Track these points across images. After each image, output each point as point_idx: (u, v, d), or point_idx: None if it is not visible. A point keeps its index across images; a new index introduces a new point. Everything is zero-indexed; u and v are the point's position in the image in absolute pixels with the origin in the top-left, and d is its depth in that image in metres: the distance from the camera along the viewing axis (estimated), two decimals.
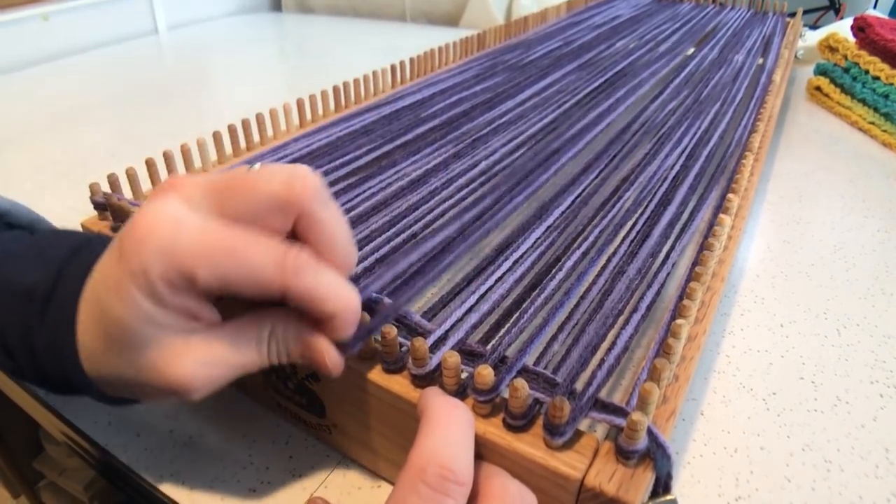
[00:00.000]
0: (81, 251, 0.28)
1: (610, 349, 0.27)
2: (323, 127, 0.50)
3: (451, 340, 0.28)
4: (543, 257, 0.34)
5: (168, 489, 0.31)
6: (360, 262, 0.33)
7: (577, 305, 0.30)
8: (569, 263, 0.33)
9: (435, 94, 0.57)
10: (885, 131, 0.65)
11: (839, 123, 0.72)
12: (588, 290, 0.31)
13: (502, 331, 0.29)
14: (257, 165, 0.25)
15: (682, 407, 0.35)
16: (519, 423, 0.24)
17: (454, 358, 0.25)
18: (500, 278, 0.32)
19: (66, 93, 0.84)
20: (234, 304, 0.25)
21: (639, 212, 0.38)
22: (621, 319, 0.29)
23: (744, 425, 0.34)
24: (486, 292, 0.31)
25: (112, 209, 0.37)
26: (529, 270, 0.33)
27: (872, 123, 0.67)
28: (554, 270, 0.33)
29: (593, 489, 0.23)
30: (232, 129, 0.45)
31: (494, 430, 0.25)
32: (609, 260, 0.34)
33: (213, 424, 0.34)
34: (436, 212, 0.38)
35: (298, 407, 0.33)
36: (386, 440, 0.30)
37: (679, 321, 0.27)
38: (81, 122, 0.71)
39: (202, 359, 0.23)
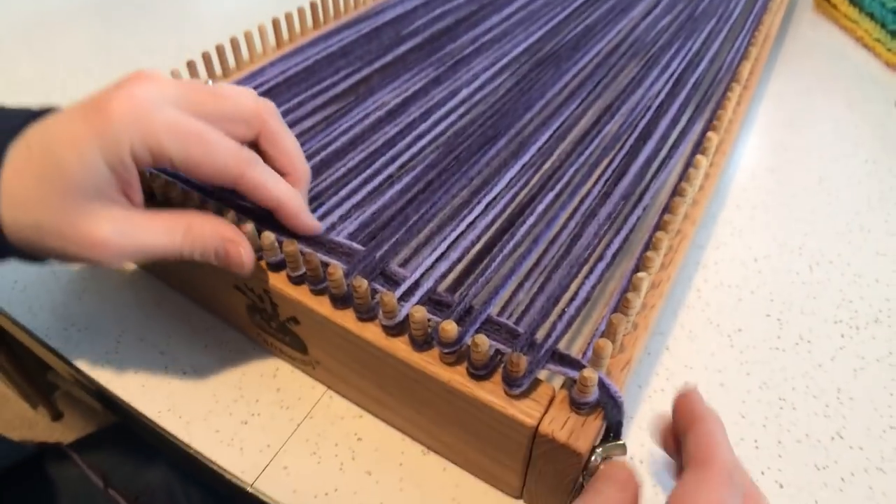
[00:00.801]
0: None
1: (572, 299, 0.29)
2: (300, 48, 0.49)
3: (421, 290, 0.29)
4: (517, 199, 0.35)
5: (165, 422, 0.34)
6: (336, 207, 0.34)
7: (545, 251, 0.31)
8: (540, 207, 0.34)
9: (418, 7, 0.55)
10: (889, 50, 0.63)
11: (843, 38, 0.70)
12: (557, 234, 0.32)
13: (470, 278, 0.30)
14: (210, 82, 0.28)
15: (649, 341, 0.37)
16: (480, 372, 0.26)
17: (420, 313, 0.26)
18: (471, 223, 0.33)
19: (35, 1, 0.81)
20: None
21: (617, 147, 0.38)
22: (586, 268, 0.30)
23: (706, 361, 0.36)
24: (457, 238, 0.32)
25: None
26: (501, 214, 0.34)
27: (878, 41, 0.64)
28: (525, 214, 0.33)
29: (546, 435, 0.25)
30: (206, 57, 0.44)
31: (459, 378, 0.27)
32: (581, 202, 0.34)
33: (205, 358, 0.37)
34: (413, 149, 0.38)
35: (283, 344, 0.35)
36: (364, 379, 0.32)
37: (640, 274, 0.28)
38: (55, 35, 0.69)
39: (119, 228, 0.26)
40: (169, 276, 0.40)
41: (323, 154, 0.38)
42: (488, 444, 0.29)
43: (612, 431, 0.26)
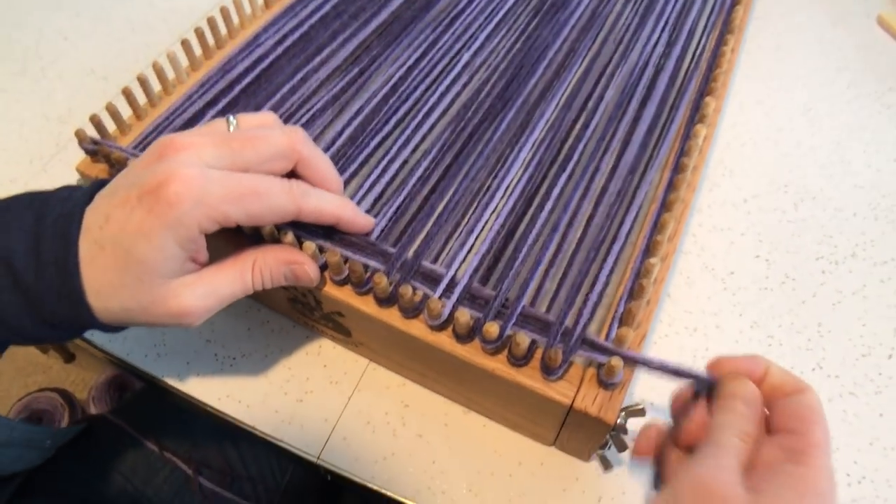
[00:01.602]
0: (45, 210, 0.30)
1: (593, 284, 0.33)
2: (290, 6, 0.49)
3: (459, 287, 0.33)
4: (533, 180, 0.38)
5: (227, 408, 0.39)
6: (361, 202, 0.37)
7: (564, 236, 0.35)
8: (555, 191, 0.37)
9: None
10: None
11: None
12: (573, 218, 0.36)
13: (500, 269, 0.34)
14: (232, 118, 0.32)
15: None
16: (520, 362, 0.31)
17: (465, 317, 0.31)
18: (494, 210, 0.36)
19: None
20: (219, 249, 0.32)
21: (619, 115, 0.41)
22: (603, 250, 0.34)
23: (704, 305, 0.41)
24: (483, 228, 0.36)
25: (108, 160, 0.39)
26: (520, 198, 0.37)
27: None
28: (543, 199, 0.37)
29: (580, 410, 0.30)
30: (199, 33, 0.45)
31: (501, 366, 0.31)
32: (591, 179, 0.38)
33: (251, 342, 0.41)
34: (424, 128, 0.41)
35: (326, 328, 0.39)
36: (408, 359, 0.37)
37: (652, 260, 0.32)
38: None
39: (200, 292, 0.29)
40: None
41: (339, 142, 0.40)
42: (527, 411, 0.34)
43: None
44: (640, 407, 0.32)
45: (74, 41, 0.58)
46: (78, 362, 1.03)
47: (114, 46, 0.57)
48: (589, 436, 0.33)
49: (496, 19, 0.48)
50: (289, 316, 0.41)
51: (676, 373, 0.29)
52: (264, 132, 0.31)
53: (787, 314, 0.41)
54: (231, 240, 0.34)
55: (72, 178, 0.42)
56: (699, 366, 0.38)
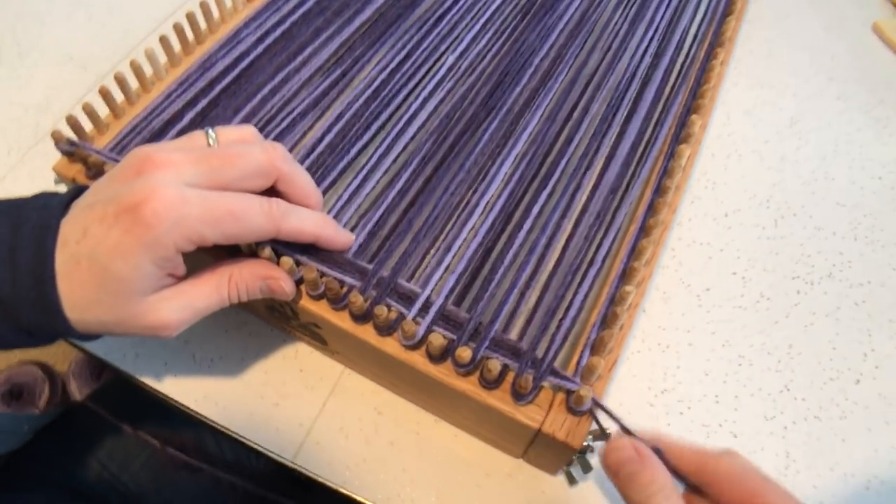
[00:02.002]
0: (21, 220, 0.30)
1: (567, 309, 0.34)
2: (272, 0, 0.48)
3: (434, 307, 0.33)
4: (512, 196, 0.38)
5: (203, 409, 0.40)
6: (342, 215, 0.37)
7: (541, 258, 0.36)
8: (535, 209, 0.37)
9: None
10: None
11: None
12: (552, 239, 0.37)
13: (475, 291, 0.35)
14: (211, 132, 0.32)
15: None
16: (491, 385, 0.32)
17: (438, 340, 0.31)
18: (472, 228, 0.37)
19: None
20: (197, 260, 0.32)
21: (604, 130, 0.41)
22: (578, 275, 0.35)
23: (678, 322, 0.42)
24: (461, 247, 0.36)
25: (85, 163, 0.39)
26: (500, 216, 0.38)
27: None
28: (522, 219, 0.37)
29: (548, 435, 0.31)
30: (178, 28, 0.44)
31: (472, 388, 0.32)
32: (572, 198, 0.38)
33: (228, 344, 0.42)
34: (406, 136, 0.41)
35: (302, 335, 0.40)
36: (383, 370, 0.38)
37: (627, 288, 0.33)
38: None
39: (176, 306, 0.30)
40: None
41: (318, 149, 0.40)
42: (496, 429, 0.35)
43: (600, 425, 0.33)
44: (608, 431, 0.33)
45: (52, 26, 0.57)
46: None
47: (93, 32, 0.57)
48: (556, 455, 0.34)
49: (483, 19, 0.48)
50: (266, 321, 0.42)
51: (626, 430, 0.30)
52: (244, 149, 0.31)
53: (759, 334, 0.42)
54: (209, 251, 0.34)
55: (50, 171, 0.42)
56: (668, 385, 0.40)
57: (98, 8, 0.59)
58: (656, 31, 0.47)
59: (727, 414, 0.39)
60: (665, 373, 0.40)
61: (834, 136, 0.51)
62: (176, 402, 0.40)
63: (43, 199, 0.31)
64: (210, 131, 0.32)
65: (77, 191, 0.32)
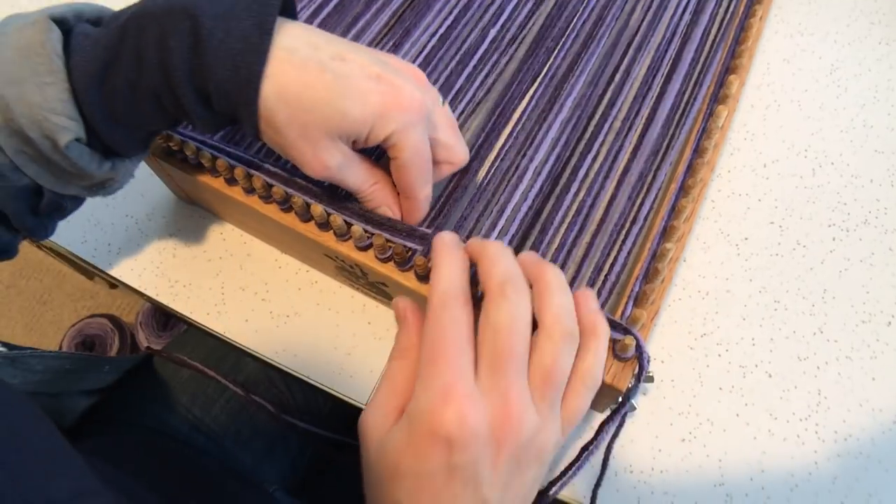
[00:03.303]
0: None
1: (612, 265, 0.38)
2: None
3: None
4: (559, 160, 0.42)
5: (284, 360, 0.45)
6: None
7: (587, 217, 0.39)
8: (581, 173, 0.41)
9: None
10: None
11: None
12: (595, 200, 0.40)
13: (527, 249, 0.39)
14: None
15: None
16: None
17: None
18: (524, 193, 0.40)
19: None
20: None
21: (645, 92, 0.44)
22: (622, 233, 0.39)
23: (717, 270, 0.46)
24: (513, 211, 0.40)
25: None
26: (547, 180, 0.41)
27: None
28: (568, 181, 0.41)
29: None
30: None
31: None
32: (615, 160, 0.41)
33: (301, 301, 0.46)
34: (457, 110, 0.44)
35: (369, 291, 0.45)
36: None
37: (668, 245, 0.37)
38: None
39: (341, 163, 0.35)
40: (258, 232, 0.48)
41: None
42: None
43: (644, 369, 0.37)
44: (650, 374, 0.37)
45: None
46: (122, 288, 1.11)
47: None
48: (604, 395, 0.38)
49: None
50: (335, 279, 0.47)
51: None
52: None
53: (795, 280, 0.45)
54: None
55: None
56: (707, 330, 0.43)
57: None
58: None
59: (763, 355, 0.43)
60: (704, 318, 0.44)
61: (874, 83, 0.52)
62: (258, 353, 0.45)
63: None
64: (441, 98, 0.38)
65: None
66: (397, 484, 0.29)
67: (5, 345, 0.44)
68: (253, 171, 0.40)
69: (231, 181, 0.41)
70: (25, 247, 0.53)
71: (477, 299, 0.32)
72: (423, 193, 0.37)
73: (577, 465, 0.37)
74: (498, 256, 0.32)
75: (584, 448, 0.37)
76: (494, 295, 0.30)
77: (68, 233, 0.50)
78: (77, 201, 0.38)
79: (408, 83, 0.34)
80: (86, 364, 0.50)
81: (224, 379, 0.58)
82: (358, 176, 0.36)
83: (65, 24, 0.33)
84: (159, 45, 0.31)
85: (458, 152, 0.38)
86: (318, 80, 0.32)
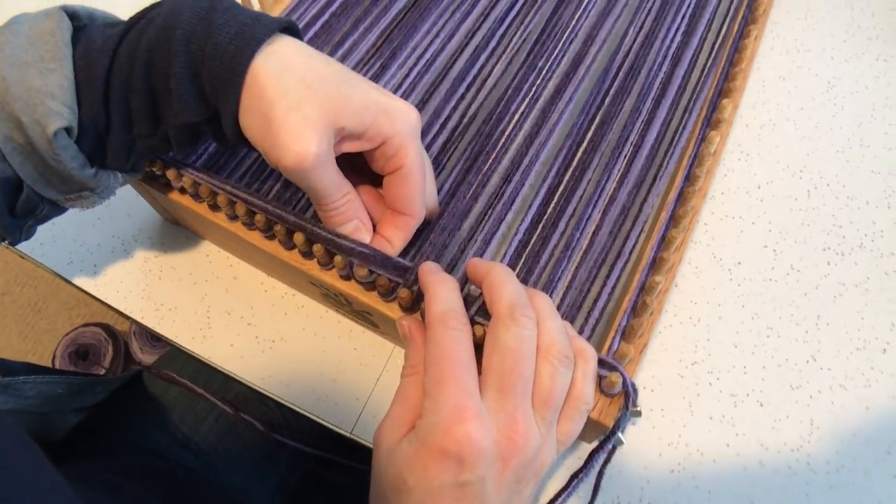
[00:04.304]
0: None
1: (596, 301, 0.37)
2: None
3: (476, 304, 0.37)
4: (549, 192, 0.41)
5: (270, 387, 0.44)
6: None
7: (574, 249, 0.39)
8: (570, 208, 0.40)
9: None
10: None
11: None
12: (584, 230, 0.39)
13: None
14: None
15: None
16: None
17: (480, 331, 0.35)
18: (511, 226, 0.40)
19: None
20: None
21: (633, 119, 0.43)
22: (605, 269, 0.38)
23: (709, 296, 0.45)
24: (500, 245, 0.39)
25: None
26: (538, 215, 0.40)
27: None
28: (557, 217, 0.40)
29: None
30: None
31: None
32: (602, 189, 0.41)
33: (288, 326, 0.46)
34: (443, 135, 0.43)
35: (354, 318, 0.44)
36: None
37: (657, 278, 0.36)
38: None
39: (321, 150, 0.33)
40: (244, 256, 0.48)
41: None
42: None
43: (631, 402, 0.36)
44: (637, 409, 0.36)
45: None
46: None
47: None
48: (591, 429, 0.38)
49: (518, 5, 0.49)
50: (320, 303, 0.46)
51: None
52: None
53: (789, 306, 0.44)
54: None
55: None
56: (698, 357, 0.43)
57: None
58: (689, 5, 0.48)
59: (754, 384, 0.42)
60: (696, 345, 0.43)
61: (871, 101, 0.51)
62: (243, 379, 0.45)
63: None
64: None
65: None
66: (405, 497, 0.29)
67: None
68: (236, 197, 0.39)
69: (214, 207, 0.41)
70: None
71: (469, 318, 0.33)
72: (422, 210, 0.37)
73: (567, 491, 0.37)
74: (505, 279, 0.33)
75: (574, 476, 0.37)
76: (503, 317, 0.31)
77: (54, 252, 0.50)
78: (55, 209, 0.38)
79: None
80: (78, 387, 0.50)
81: (213, 397, 0.58)
82: (333, 179, 0.35)
83: (77, 20, 0.35)
84: (170, 16, 0.33)
85: (433, 201, 0.39)
86: (323, 66, 0.33)
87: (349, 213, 0.37)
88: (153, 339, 1.03)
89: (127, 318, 0.48)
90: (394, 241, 0.38)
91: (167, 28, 0.33)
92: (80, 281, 0.49)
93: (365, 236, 0.38)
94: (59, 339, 1.02)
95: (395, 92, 0.45)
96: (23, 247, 0.51)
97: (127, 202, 0.51)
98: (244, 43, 0.32)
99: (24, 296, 1.13)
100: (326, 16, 0.48)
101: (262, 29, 0.32)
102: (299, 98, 0.32)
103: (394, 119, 0.34)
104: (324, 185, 0.35)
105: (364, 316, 0.42)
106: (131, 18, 0.34)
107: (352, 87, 0.34)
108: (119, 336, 1.05)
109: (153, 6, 0.34)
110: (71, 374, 0.51)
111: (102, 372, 1.00)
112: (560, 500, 0.37)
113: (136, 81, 0.34)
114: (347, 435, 0.43)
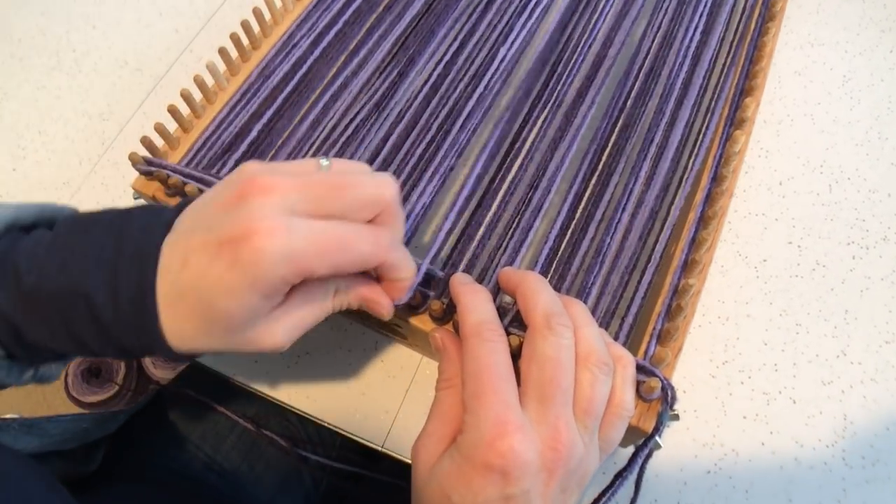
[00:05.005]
0: (123, 242, 0.31)
1: (629, 306, 0.37)
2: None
3: (510, 313, 0.37)
4: (577, 196, 0.41)
5: (300, 404, 0.44)
6: (418, 225, 0.40)
7: (605, 254, 0.39)
8: (598, 213, 0.40)
9: None
10: None
11: None
12: (613, 235, 0.39)
13: None
14: (325, 162, 0.32)
15: None
16: None
17: (515, 341, 0.35)
18: (536, 230, 0.40)
19: None
20: None
21: (657, 121, 0.43)
22: (637, 273, 0.38)
23: (736, 294, 0.45)
24: (528, 250, 0.39)
25: (164, 183, 0.42)
26: (565, 219, 0.40)
27: None
28: (586, 219, 0.40)
29: None
30: (235, 38, 0.46)
31: None
32: (630, 193, 0.40)
33: (312, 342, 0.46)
34: (463, 134, 0.43)
35: (382, 332, 0.44)
36: None
37: (690, 281, 0.36)
38: None
39: (286, 327, 0.31)
40: None
41: (384, 151, 0.43)
42: None
43: (670, 406, 0.36)
44: (675, 412, 0.36)
45: (104, 29, 0.60)
46: None
47: (143, 33, 0.59)
48: (628, 435, 0.38)
49: (530, 5, 0.49)
50: (347, 318, 0.46)
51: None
52: (354, 179, 0.30)
53: (816, 301, 0.44)
54: None
55: (120, 177, 0.45)
56: (729, 357, 0.43)
57: (145, 8, 0.61)
58: (706, 4, 0.48)
59: (786, 381, 0.42)
60: (725, 345, 0.43)
61: (887, 93, 0.51)
62: (270, 397, 0.45)
63: (145, 219, 0.31)
64: (324, 160, 0.32)
65: (178, 209, 0.32)
66: None
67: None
68: None
69: None
70: None
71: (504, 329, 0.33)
72: (397, 268, 0.33)
73: (612, 489, 0.37)
74: (540, 288, 0.32)
75: (618, 475, 0.36)
76: (540, 327, 0.31)
77: None
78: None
79: (251, 235, 0.27)
80: (102, 418, 0.49)
81: (234, 414, 0.58)
82: (311, 312, 0.32)
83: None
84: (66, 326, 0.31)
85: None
86: (184, 307, 0.29)
87: (354, 301, 0.34)
88: None
89: None
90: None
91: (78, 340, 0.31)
92: None
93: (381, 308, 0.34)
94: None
95: (413, 100, 0.45)
96: None
97: None
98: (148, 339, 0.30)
99: None
100: (340, 24, 0.48)
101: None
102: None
103: (273, 266, 0.28)
104: (315, 321, 0.33)
105: (392, 328, 0.42)
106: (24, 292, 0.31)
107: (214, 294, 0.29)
108: None
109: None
110: (95, 414, 0.50)
111: (116, 389, 1.00)
112: (605, 498, 0.37)
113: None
114: (380, 449, 0.43)
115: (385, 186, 0.31)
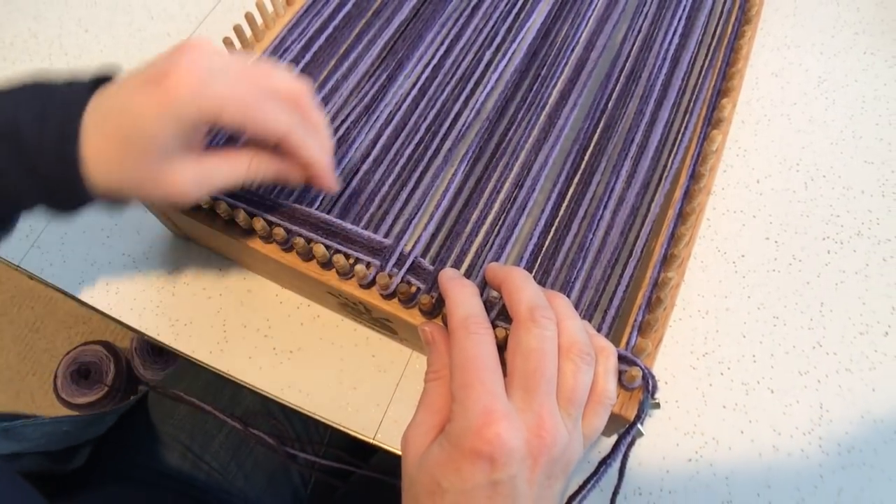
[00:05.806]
0: (57, 84, 0.34)
1: (611, 299, 0.38)
2: (312, 3, 0.51)
3: (497, 306, 0.38)
4: (560, 195, 0.42)
5: (290, 397, 0.45)
6: (407, 225, 0.42)
7: (587, 249, 0.40)
8: (581, 211, 0.41)
9: None
10: None
11: None
12: (595, 231, 0.41)
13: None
14: None
15: None
16: None
17: (502, 333, 0.36)
18: (521, 227, 0.41)
19: None
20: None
21: (637, 121, 0.44)
22: (618, 268, 0.39)
23: (715, 289, 0.46)
24: (514, 246, 0.40)
25: None
26: (550, 220, 0.41)
27: None
28: (570, 221, 0.41)
29: None
30: (227, 42, 0.48)
31: None
32: (612, 191, 0.42)
33: (305, 336, 0.47)
34: (453, 134, 0.45)
35: (372, 326, 0.45)
36: None
37: (669, 274, 0.37)
38: None
39: (194, 175, 0.34)
40: (259, 269, 0.48)
41: (374, 152, 0.44)
42: None
43: (651, 394, 0.38)
44: (656, 401, 0.37)
45: (96, 33, 0.60)
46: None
47: (135, 37, 0.60)
48: (611, 423, 0.39)
49: (515, 9, 0.50)
50: (336, 312, 0.47)
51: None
52: (277, 69, 0.35)
53: (793, 295, 0.46)
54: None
55: None
56: (709, 349, 0.44)
57: (137, 12, 0.62)
58: (684, 8, 0.49)
59: (764, 372, 0.44)
60: (705, 337, 0.45)
61: (861, 93, 0.53)
62: (263, 391, 0.46)
63: (72, 80, 0.34)
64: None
65: (104, 74, 0.35)
66: (439, 500, 0.30)
67: None
68: (254, 213, 0.40)
69: (230, 223, 0.41)
70: (16, 274, 0.53)
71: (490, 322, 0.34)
72: (303, 148, 0.35)
73: (596, 476, 0.38)
74: (524, 283, 0.34)
75: (602, 462, 0.38)
76: (525, 320, 0.32)
77: (65, 273, 0.50)
78: None
79: (174, 71, 0.31)
80: (86, 421, 0.50)
81: (222, 413, 0.58)
82: (223, 169, 0.35)
83: None
84: None
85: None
86: (106, 127, 0.32)
87: (260, 173, 0.36)
88: (155, 354, 1.03)
89: (143, 335, 0.49)
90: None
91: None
92: (93, 300, 0.50)
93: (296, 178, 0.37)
94: (60, 358, 1.02)
95: (402, 103, 0.46)
96: (32, 267, 0.51)
97: (136, 219, 0.51)
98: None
99: (22, 316, 1.13)
100: (330, 29, 0.49)
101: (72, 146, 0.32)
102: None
103: (187, 105, 0.32)
104: (224, 184, 0.35)
105: (382, 323, 0.43)
106: None
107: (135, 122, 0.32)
108: (120, 353, 1.04)
109: None
110: (76, 417, 0.50)
111: (105, 390, 1.00)
112: (590, 484, 0.38)
113: None
114: (371, 441, 0.44)
115: (300, 82, 0.35)
